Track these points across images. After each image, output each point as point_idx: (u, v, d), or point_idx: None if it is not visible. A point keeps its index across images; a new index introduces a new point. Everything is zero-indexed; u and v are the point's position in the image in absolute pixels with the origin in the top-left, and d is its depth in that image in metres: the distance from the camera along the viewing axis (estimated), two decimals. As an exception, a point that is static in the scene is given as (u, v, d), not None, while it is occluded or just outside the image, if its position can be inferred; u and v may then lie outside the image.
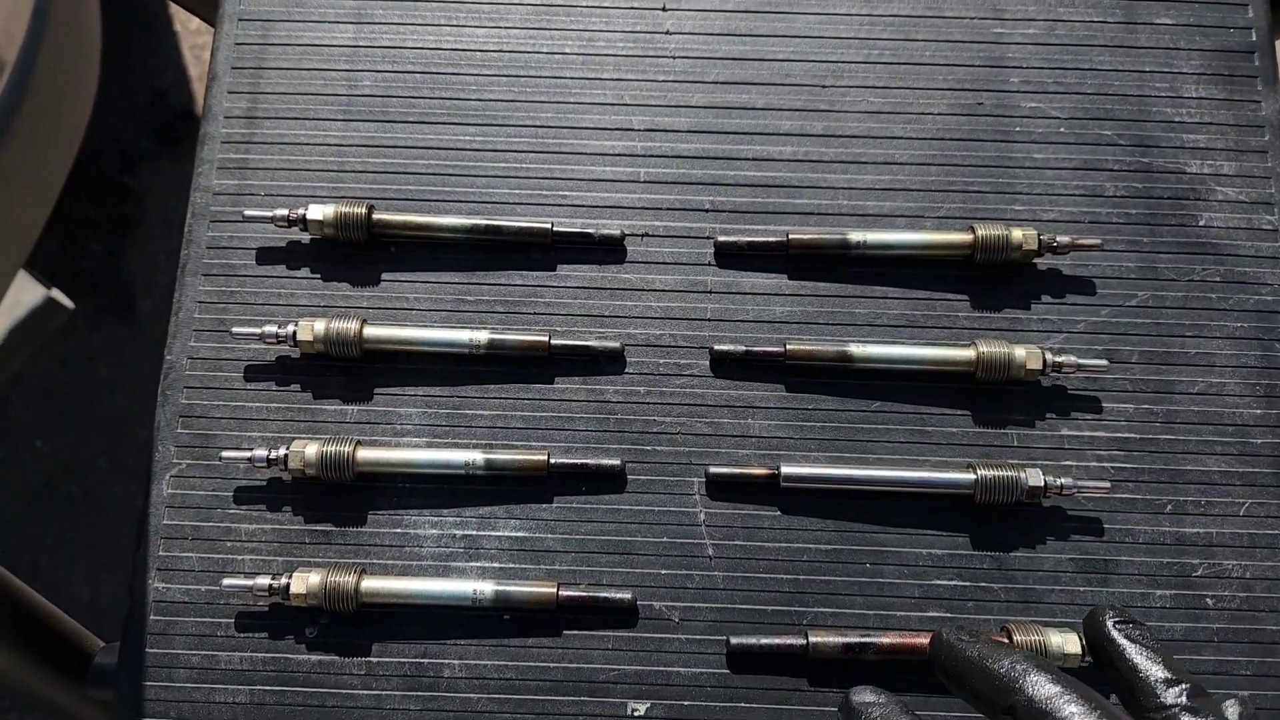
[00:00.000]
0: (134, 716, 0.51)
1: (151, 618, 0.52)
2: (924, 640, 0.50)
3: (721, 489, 0.54)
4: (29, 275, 1.64)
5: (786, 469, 0.53)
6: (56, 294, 1.60)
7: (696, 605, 0.52)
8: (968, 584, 0.53)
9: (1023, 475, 0.52)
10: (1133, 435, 0.55)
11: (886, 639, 0.50)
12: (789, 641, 0.50)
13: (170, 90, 1.70)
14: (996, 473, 0.52)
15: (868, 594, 0.53)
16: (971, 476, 0.52)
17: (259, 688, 0.51)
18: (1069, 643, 0.50)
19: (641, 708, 0.51)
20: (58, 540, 1.66)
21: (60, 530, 1.67)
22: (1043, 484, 0.52)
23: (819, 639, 0.50)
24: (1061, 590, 0.53)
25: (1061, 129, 0.60)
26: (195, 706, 0.51)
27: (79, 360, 1.78)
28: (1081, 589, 0.53)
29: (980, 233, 0.55)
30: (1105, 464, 0.54)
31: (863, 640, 0.50)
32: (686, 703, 0.51)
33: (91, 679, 0.55)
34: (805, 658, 0.50)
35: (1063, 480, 0.52)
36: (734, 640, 0.51)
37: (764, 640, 0.51)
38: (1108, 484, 0.53)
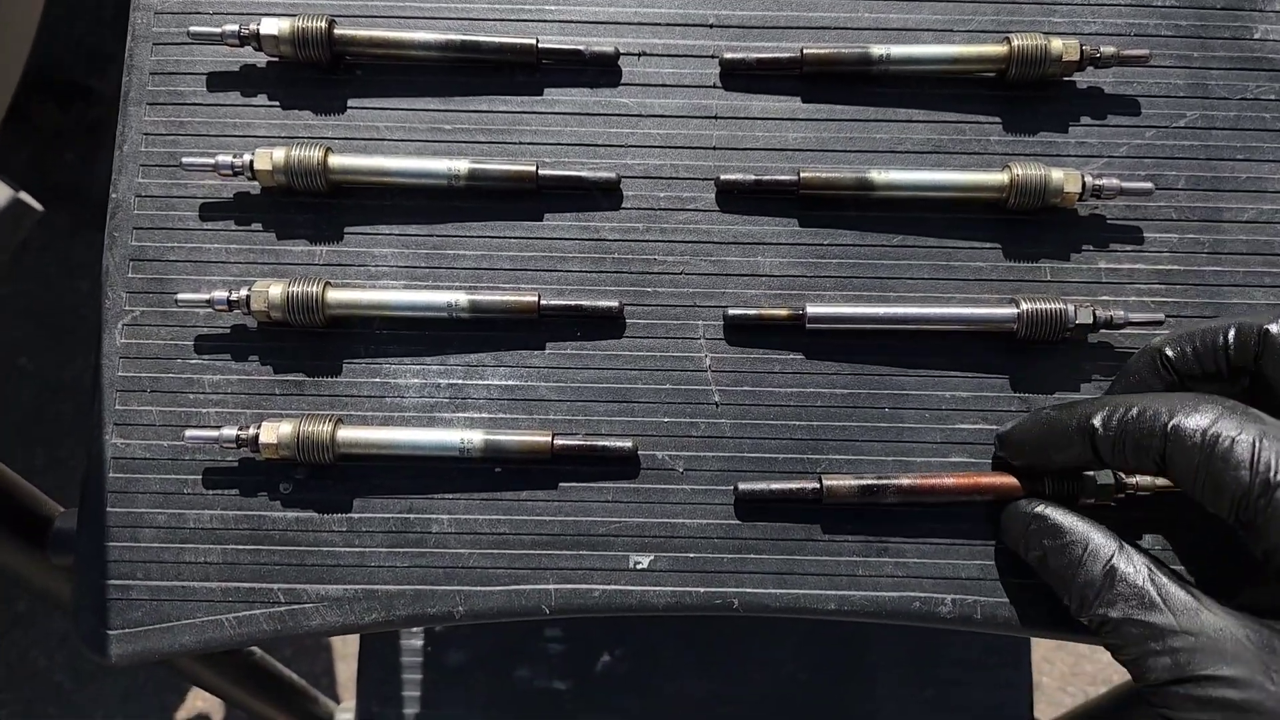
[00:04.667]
0: (97, 579, 0.47)
1: (111, 475, 0.48)
2: (946, 480, 0.46)
3: (735, 332, 0.49)
4: (-5, 179, 1.57)
5: (812, 309, 0.48)
6: (25, 196, 1.53)
7: (702, 454, 0.49)
8: (993, 427, 0.49)
9: (1070, 309, 0.47)
10: (1176, 267, 0.50)
11: (906, 480, 0.46)
12: (801, 485, 0.47)
13: (131, -14, 1.60)
14: (1043, 306, 0.47)
15: (885, 439, 0.49)
16: (1014, 311, 0.48)
17: (231, 546, 0.47)
18: (1101, 479, 0.46)
19: (644, 560, 0.47)
20: (50, 461, 1.63)
21: (51, 450, 1.64)
22: (1092, 319, 0.47)
23: (833, 482, 0.46)
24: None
25: (1107, -70, 0.54)
26: (164, 566, 0.47)
27: (59, 277, 1.72)
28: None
29: (1016, 43, 0.50)
30: (1146, 298, 0.50)
31: (880, 482, 0.46)
32: (692, 555, 0.48)
33: (51, 544, 0.51)
34: (819, 503, 0.47)
35: (1113, 313, 0.47)
36: (742, 486, 0.47)
37: (774, 485, 0.47)
38: (1161, 316, 0.48)
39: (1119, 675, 1.45)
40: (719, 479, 0.48)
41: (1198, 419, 0.38)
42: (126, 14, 0.52)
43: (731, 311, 0.49)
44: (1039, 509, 0.43)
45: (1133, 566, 0.39)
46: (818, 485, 0.46)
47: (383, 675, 0.98)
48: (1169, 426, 0.38)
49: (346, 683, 1.46)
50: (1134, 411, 0.40)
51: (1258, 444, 0.37)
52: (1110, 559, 0.40)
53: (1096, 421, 0.41)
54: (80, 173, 1.78)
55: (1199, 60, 0.52)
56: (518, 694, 0.95)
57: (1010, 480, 0.46)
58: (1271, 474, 0.36)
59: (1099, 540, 0.41)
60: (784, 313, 0.49)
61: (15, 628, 1.51)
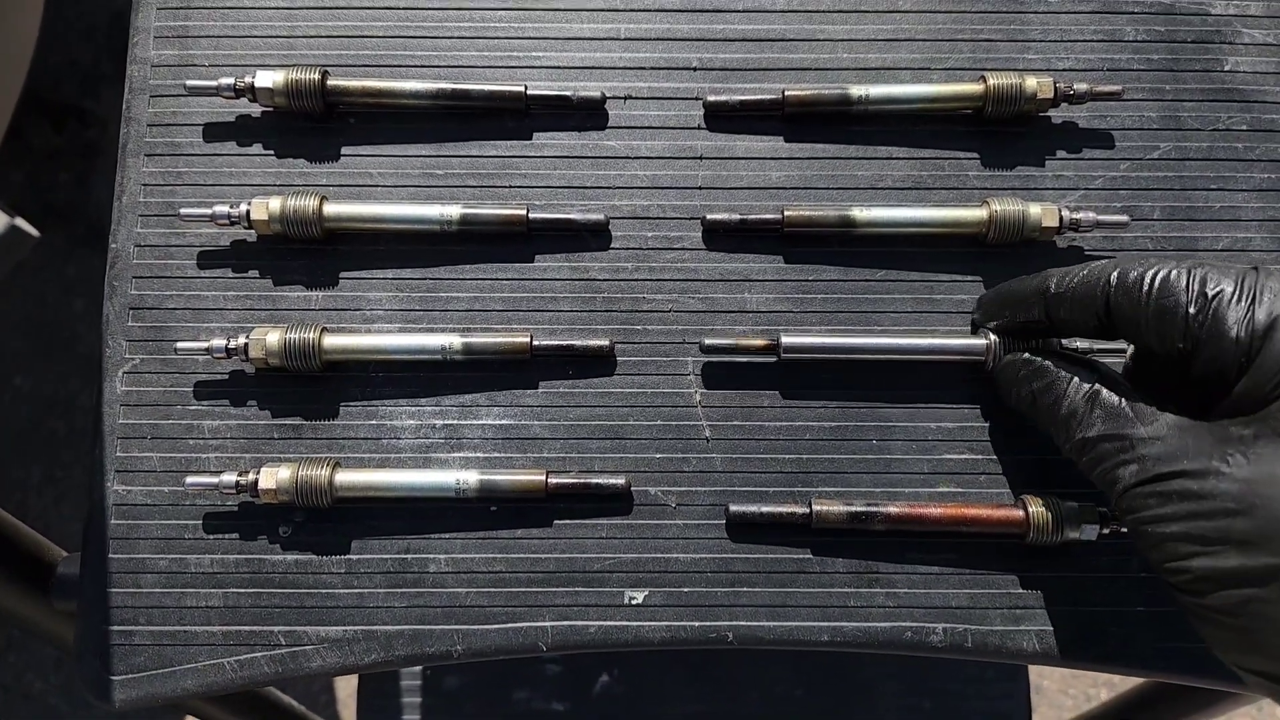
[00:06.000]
0: (100, 624, 0.48)
1: (113, 522, 0.49)
2: (933, 510, 0.47)
3: (723, 367, 0.50)
4: (-9, 205, 1.58)
5: (787, 339, 0.49)
6: (20, 222, 1.54)
7: (694, 489, 0.49)
8: (979, 457, 0.50)
9: (1051, 341, 0.48)
10: (1153, 297, 0.51)
11: (894, 508, 0.47)
12: (791, 509, 0.48)
13: (127, 10, 1.61)
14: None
15: (874, 471, 0.50)
16: (984, 342, 0.49)
17: (233, 590, 0.48)
18: (1086, 514, 0.47)
19: (639, 595, 0.48)
20: (45, 479, 1.63)
21: (47, 468, 1.64)
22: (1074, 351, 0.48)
23: (822, 507, 0.47)
24: (1077, 461, 0.50)
25: (1078, -31, 0.55)
26: (166, 612, 0.48)
27: (54, 295, 1.72)
28: (1098, 459, 0.50)
29: (992, 82, 0.51)
30: (1124, 328, 0.51)
31: (869, 509, 0.47)
32: (686, 589, 0.48)
33: (55, 590, 0.51)
34: (809, 529, 0.48)
35: (1078, 344, 0.49)
36: (733, 508, 0.48)
37: (765, 508, 0.48)
38: (1126, 348, 0.49)
39: (1119, 677, 1.46)
40: (711, 513, 0.49)
41: (1138, 266, 0.41)
42: (119, 35, 0.53)
43: (708, 341, 0.50)
44: (1027, 356, 0.46)
45: (1109, 392, 0.42)
46: (808, 509, 0.47)
47: (382, 700, 0.99)
48: (1112, 276, 0.42)
49: (346, 700, 1.46)
50: (1082, 272, 0.43)
51: (1192, 272, 0.40)
52: (1091, 387, 0.42)
53: (1051, 284, 0.44)
54: (75, 192, 1.78)
55: (1171, 93, 0.54)
56: (515, 716, 0.96)
57: (997, 514, 0.47)
58: (1207, 289, 0.39)
59: (1082, 375, 0.43)
60: (760, 342, 0.50)
61: (10, 650, 1.51)
